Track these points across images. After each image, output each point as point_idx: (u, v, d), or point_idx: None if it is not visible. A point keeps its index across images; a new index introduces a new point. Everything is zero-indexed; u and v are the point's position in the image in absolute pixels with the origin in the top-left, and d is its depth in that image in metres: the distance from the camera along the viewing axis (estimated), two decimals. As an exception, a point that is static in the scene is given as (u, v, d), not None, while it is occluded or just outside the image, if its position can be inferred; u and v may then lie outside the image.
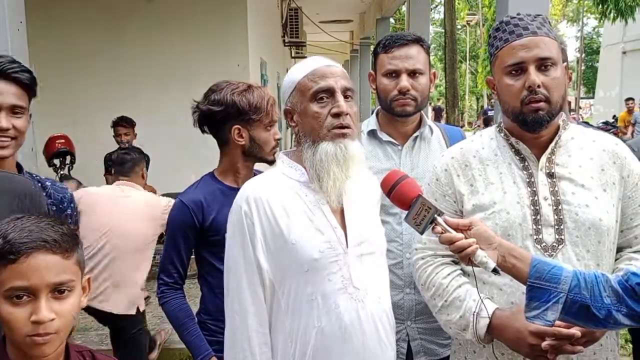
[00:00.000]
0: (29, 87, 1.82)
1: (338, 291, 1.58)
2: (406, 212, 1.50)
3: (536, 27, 1.63)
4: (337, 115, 1.57)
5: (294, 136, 1.70)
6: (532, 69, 1.60)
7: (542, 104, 1.60)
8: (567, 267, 1.42)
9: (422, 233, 1.50)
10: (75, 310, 1.32)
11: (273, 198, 1.60)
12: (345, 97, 1.59)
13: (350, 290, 1.59)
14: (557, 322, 1.50)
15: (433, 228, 1.46)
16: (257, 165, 2.20)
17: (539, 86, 1.59)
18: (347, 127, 1.58)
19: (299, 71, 1.63)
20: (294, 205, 1.60)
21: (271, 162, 2.10)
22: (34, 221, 1.29)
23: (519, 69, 1.62)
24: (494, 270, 1.41)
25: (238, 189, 1.86)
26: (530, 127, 1.64)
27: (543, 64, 1.61)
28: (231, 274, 1.63)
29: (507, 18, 1.68)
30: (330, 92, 1.58)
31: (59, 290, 1.27)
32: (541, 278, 1.39)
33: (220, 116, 2.06)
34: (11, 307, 1.23)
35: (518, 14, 1.67)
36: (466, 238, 1.44)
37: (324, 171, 1.57)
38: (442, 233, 1.45)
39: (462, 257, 1.44)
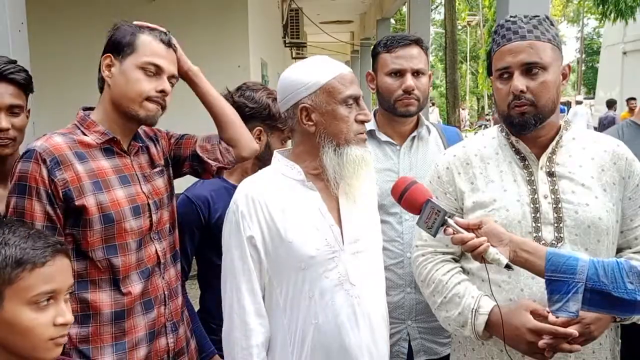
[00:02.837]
0: (25, 86, 1.88)
1: (335, 287, 1.61)
2: (417, 216, 1.53)
3: (527, 31, 1.63)
4: (362, 122, 1.64)
5: (295, 135, 1.70)
6: (516, 75, 1.62)
7: (526, 108, 1.62)
8: (583, 257, 1.42)
9: (434, 235, 1.52)
10: None
11: (270, 196, 1.62)
12: None
13: (346, 287, 1.62)
14: (555, 320, 1.51)
15: (445, 230, 1.49)
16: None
17: (522, 91, 1.61)
18: (365, 133, 1.66)
19: (322, 71, 1.63)
20: (291, 203, 1.62)
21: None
22: (27, 229, 1.28)
23: (507, 73, 1.64)
24: (507, 266, 1.43)
25: None
26: (516, 129, 1.67)
27: (529, 69, 1.62)
28: (228, 274, 1.64)
29: (503, 21, 1.69)
30: (356, 99, 1.63)
31: (70, 293, 1.29)
32: (557, 270, 1.39)
33: (250, 113, 2.09)
34: (35, 313, 1.22)
35: (512, 17, 1.68)
36: (477, 237, 1.46)
37: (354, 173, 1.61)
38: (453, 234, 1.48)
39: (475, 256, 1.46)
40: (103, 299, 1.65)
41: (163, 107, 1.72)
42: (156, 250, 1.76)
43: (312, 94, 1.61)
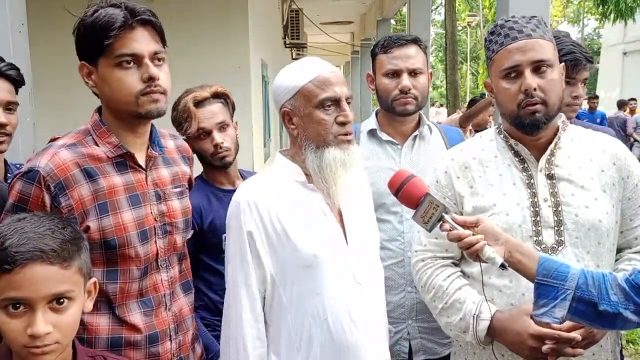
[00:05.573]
0: (19, 83, 1.87)
1: (341, 286, 1.62)
2: (414, 211, 1.51)
3: (531, 30, 1.63)
4: (343, 123, 1.62)
5: (288, 137, 1.71)
6: (527, 72, 1.61)
7: (538, 107, 1.61)
8: (574, 266, 1.42)
9: (430, 231, 1.51)
10: (76, 320, 1.28)
11: (272, 196, 1.63)
12: (347, 103, 1.64)
13: (353, 285, 1.63)
14: (557, 326, 1.50)
15: (441, 226, 1.48)
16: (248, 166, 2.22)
17: (534, 89, 1.60)
18: (351, 133, 1.64)
19: (300, 74, 1.64)
20: (294, 204, 1.63)
21: (221, 167, 2.15)
22: (34, 225, 1.24)
23: (515, 72, 1.62)
24: (502, 266, 1.42)
25: (229, 190, 1.87)
26: (528, 129, 1.65)
27: (539, 67, 1.61)
28: (229, 269, 1.65)
29: (502, 21, 1.68)
30: (336, 101, 1.61)
31: (57, 301, 1.23)
32: (548, 275, 1.39)
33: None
34: (7, 317, 1.20)
35: (513, 17, 1.68)
36: (474, 235, 1.45)
37: (332, 176, 1.60)
38: (450, 230, 1.47)
39: (470, 253, 1.46)
40: (100, 322, 1.53)
41: (163, 92, 1.54)
42: (162, 279, 1.63)
43: (292, 98, 1.63)
